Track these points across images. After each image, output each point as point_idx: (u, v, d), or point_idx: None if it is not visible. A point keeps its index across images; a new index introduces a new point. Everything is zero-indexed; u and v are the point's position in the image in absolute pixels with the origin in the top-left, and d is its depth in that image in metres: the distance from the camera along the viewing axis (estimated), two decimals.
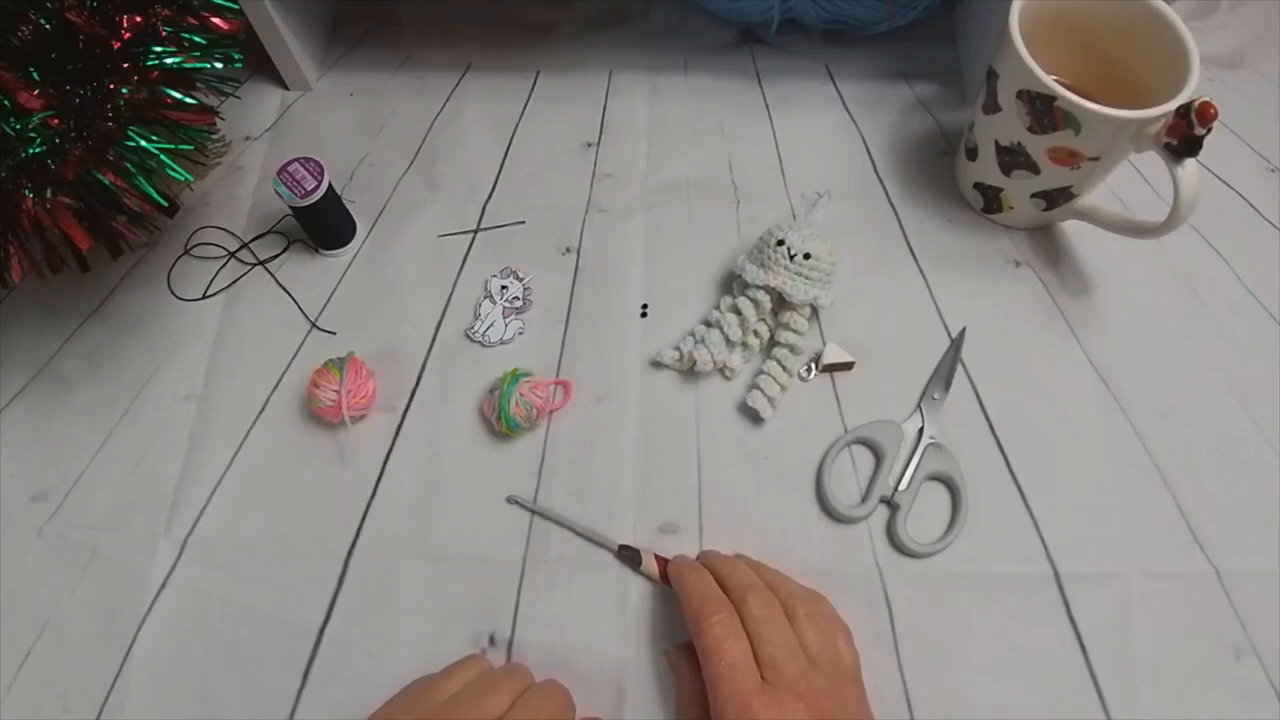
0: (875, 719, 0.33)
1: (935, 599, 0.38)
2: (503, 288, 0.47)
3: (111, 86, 0.37)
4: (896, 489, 0.40)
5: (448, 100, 0.56)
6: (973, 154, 0.48)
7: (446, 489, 0.42)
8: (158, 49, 0.38)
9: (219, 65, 0.40)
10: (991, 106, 0.44)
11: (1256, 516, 0.40)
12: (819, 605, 0.35)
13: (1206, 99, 0.37)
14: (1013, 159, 0.44)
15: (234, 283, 0.48)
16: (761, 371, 0.43)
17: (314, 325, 0.47)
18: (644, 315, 0.47)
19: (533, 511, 0.41)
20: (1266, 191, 0.50)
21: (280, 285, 0.48)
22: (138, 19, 0.38)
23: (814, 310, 0.45)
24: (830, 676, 0.32)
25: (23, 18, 0.36)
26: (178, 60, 0.38)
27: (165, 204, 0.40)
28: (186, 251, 0.49)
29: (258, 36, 0.52)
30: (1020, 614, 0.38)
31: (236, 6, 0.41)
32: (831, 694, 0.31)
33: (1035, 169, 0.44)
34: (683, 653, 0.35)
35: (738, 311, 0.44)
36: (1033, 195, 0.46)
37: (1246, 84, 0.55)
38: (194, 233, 0.50)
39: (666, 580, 0.38)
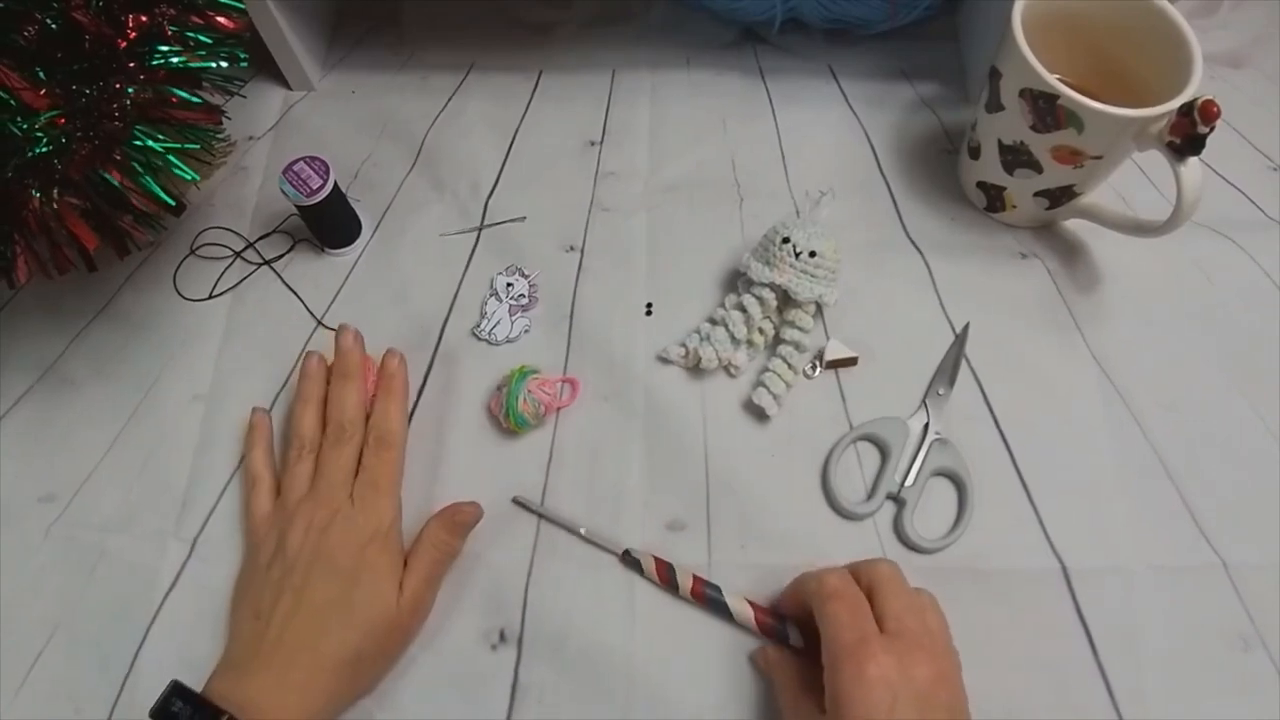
0: None
1: (942, 594, 0.38)
2: (508, 285, 0.47)
3: (118, 86, 0.37)
4: (903, 485, 0.41)
5: (450, 100, 0.56)
6: (976, 153, 0.48)
7: (454, 486, 0.42)
8: (163, 48, 0.38)
9: (224, 65, 0.40)
10: (994, 105, 0.44)
11: (1262, 508, 0.40)
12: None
13: (1209, 97, 0.37)
14: (1016, 158, 0.45)
15: (240, 282, 0.48)
16: (767, 369, 0.43)
17: (320, 324, 0.47)
18: (649, 314, 0.47)
19: (538, 514, 0.41)
20: (1269, 189, 0.51)
21: (286, 285, 0.48)
22: (143, 18, 0.38)
23: (818, 308, 0.45)
24: (946, 643, 0.33)
25: (29, 17, 0.36)
26: (183, 60, 0.39)
27: (172, 203, 0.40)
28: (192, 252, 0.50)
29: (261, 36, 0.52)
30: (1028, 609, 0.38)
31: (241, 6, 0.41)
32: (948, 656, 0.32)
33: (1038, 168, 0.44)
34: (774, 649, 0.36)
35: (743, 309, 0.44)
36: (1036, 194, 0.46)
37: (1249, 82, 0.56)
38: (200, 233, 0.50)
39: (666, 582, 0.38)
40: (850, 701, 0.29)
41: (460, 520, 0.39)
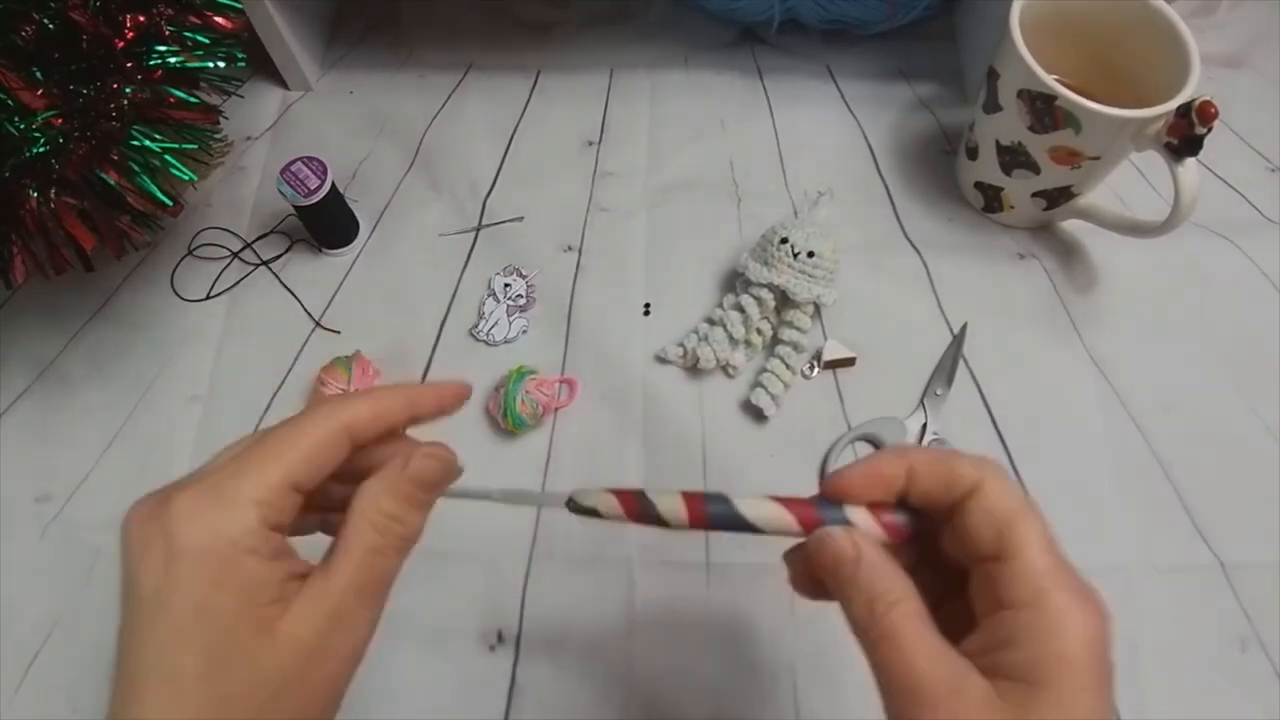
0: None
1: None
2: (506, 285, 0.47)
3: (115, 86, 0.37)
4: None
5: (448, 99, 0.56)
6: (973, 153, 0.48)
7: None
8: (161, 48, 0.38)
9: (222, 64, 0.40)
10: (992, 106, 0.44)
11: (1259, 508, 0.40)
12: None
13: (1207, 98, 0.37)
14: (1013, 158, 0.45)
15: (238, 283, 0.48)
16: (765, 369, 0.43)
17: (318, 324, 0.47)
18: (647, 314, 0.47)
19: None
20: (1267, 190, 0.51)
21: (284, 285, 0.48)
22: (141, 18, 0.38)
23: (816, 308, 0.45)
24: None
25: (26, 17, 0.36)
26: (181, 60, 0.38)
27: (169, 203, 0.40)
28: (190, 252, 0.49)
29: (258, 36, 0.52)
30: None
31: (239, 5, 0.41)
32: None
33: (1036, 168, 0.44)
34: (881, 552, 0.24)
35: (741, 309, 0.44)
36: (1033, 194, 0.46)
37: (1247, 83, 0.56)
38: (197, 233, 0.50)
39: (642, 518, 0.26)
40: (1081, 662, 0.22)
41: (426, 478, 0.24)
